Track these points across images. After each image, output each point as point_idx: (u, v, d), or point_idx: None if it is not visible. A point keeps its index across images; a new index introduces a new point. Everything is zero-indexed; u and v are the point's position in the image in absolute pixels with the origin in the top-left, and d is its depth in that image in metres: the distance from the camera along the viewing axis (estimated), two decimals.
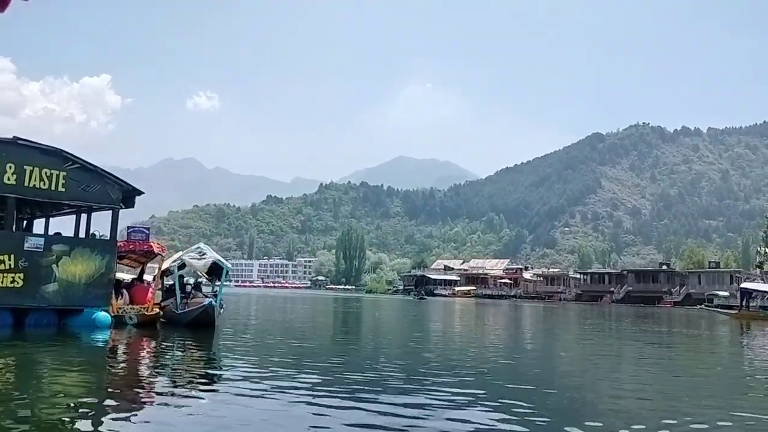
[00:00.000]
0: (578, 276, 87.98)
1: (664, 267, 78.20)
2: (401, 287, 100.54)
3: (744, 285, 41.74)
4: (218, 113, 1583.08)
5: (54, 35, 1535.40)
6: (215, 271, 17.02)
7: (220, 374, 9.20)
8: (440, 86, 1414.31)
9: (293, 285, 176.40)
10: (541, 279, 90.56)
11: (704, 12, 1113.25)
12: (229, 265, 17.73)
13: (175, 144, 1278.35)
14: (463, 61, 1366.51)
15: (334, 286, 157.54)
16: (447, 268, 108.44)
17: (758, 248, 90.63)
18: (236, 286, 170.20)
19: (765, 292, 41.72)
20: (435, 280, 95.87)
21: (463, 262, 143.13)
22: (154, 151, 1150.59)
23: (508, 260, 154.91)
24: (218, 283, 17.47)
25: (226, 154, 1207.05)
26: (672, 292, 67.20)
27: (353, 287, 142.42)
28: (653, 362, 13.17)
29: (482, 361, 11.71)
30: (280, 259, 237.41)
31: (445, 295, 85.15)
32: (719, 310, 43.01)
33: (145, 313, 15.65)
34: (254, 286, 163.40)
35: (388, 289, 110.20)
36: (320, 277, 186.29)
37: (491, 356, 12.84)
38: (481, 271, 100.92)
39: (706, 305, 50.03)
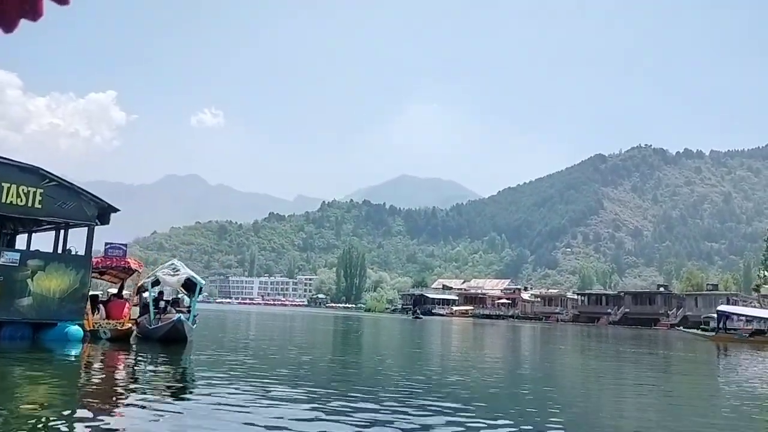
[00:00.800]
0: (576, 297, 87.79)
1: (662, 289, 77.95)
2: (400, 306, 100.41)
3: (720, 308, 41.93)
4: (223, 130, 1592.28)
5: (60, 51, 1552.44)
6: (191, 287, 17.21)
7: (183, 387, 9.35)
8: (445, 106, 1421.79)
9: (292, 303, 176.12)
10: (539, 300, 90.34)
11: (707, 35, 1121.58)
12: (203, 282, 17.96)
13: (179, 160, 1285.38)
14: (467, 82, 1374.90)
15: (334, 305, 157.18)
16: (445, 288, 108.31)
17: (759, 271, 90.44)
18: (238, 303, 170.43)
19: (740, 314, 42.17)
20: (433, 299, 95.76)
21: (463, 282, 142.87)
22: (157, 167, 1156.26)
23: (509, 280, 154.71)
24: (193, 298, 17.64)
25: (229, 171, 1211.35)
26: (669, 315, 66.93)
27: (353, 306, 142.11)
28: (620, 381, 13.37)
29: (454, 383, 11.80)
30: (281, 276, 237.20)
31: (442, 315, 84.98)
32: (697, 332, 43.31)
33: (118, 328, 15.85)
34: (253, 304, 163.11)
35: (387, 308, 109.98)
36: (320, 295, 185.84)
37: (465, 378, 12.93)
38: (479, 291, 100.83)
39: (684, 328, 50.60)
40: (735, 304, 64.44)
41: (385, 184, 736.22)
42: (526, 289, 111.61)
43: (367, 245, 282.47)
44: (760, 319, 40.06)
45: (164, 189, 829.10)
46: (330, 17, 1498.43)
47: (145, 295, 16.68)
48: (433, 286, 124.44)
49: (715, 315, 48.73)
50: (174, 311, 16.49)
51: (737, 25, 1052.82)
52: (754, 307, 59.57)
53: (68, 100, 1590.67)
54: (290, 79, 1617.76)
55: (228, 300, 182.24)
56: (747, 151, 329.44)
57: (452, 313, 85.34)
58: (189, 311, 16.84)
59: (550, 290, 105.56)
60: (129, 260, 17.43)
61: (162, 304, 16.69)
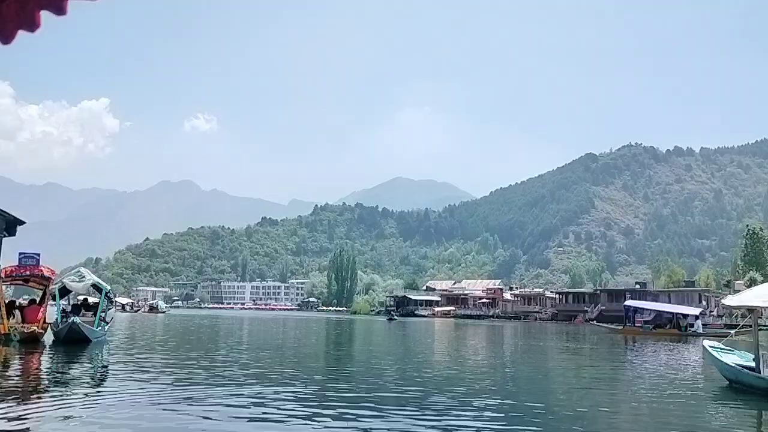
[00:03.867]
0: (554, 296, 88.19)
1: (637, 286, 78.33)
2: (385, 309, 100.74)
3: (627, 303, 44.64)
4: (216, 135, 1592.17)
5: (53, 59, 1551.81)
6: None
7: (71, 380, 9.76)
8: (437, 108, 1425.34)
9: (283, 307, 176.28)
10: (519, 299, 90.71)
11: (698, 33, 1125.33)
12: (108, 287, 18.58)
13: (173, 166, 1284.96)
14: (459, 84, 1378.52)
15: (325, 308, 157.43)
16: (429, 289, 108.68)
17: (739, 267, 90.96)
18: (225, 308, 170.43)
19: (645, 308, 44.55)
20: (416, 300, 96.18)
21: (455, 283, 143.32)
22: (151, 173, 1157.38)
23: (500, 281, 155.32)
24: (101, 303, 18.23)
25: (223, 177, 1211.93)
26: (643, 312, 67.13)
27: (345, 309, 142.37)
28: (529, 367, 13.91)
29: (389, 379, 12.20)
30: (273, 281, 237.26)
31: (425, 316, 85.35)
32: (608, 326, 44.83)
33: (25, 330, 16.35)
34: (242, 308, 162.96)
35: (372, 311, 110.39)
36: (311, 299, 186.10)
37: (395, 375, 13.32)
38: (461, 292, 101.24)
39: (597, 322, 52.72)
40: (707, 300, 65.01)
41: (379, 186, 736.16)
42: (511, 288, 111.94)
43: (360, 248, 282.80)
44: (662, 312, 43.22)
45: (158, 195, 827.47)
46: (322, 22, 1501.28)
47: (64, 300, 17.23)
48: (424, 287, 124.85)
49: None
50: (89, 314, 17.03)
51: (728, 23, 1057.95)
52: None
53: (61, 108, 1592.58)
54: (283, 84, 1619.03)
55: (219, 305, 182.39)
56: (737, 147, 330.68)
57: (434, 314, 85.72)
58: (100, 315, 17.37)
59: (534, 290, 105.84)
60: (42, 268, 17.89)
61: (67, 308, 17.24)
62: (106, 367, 12.78)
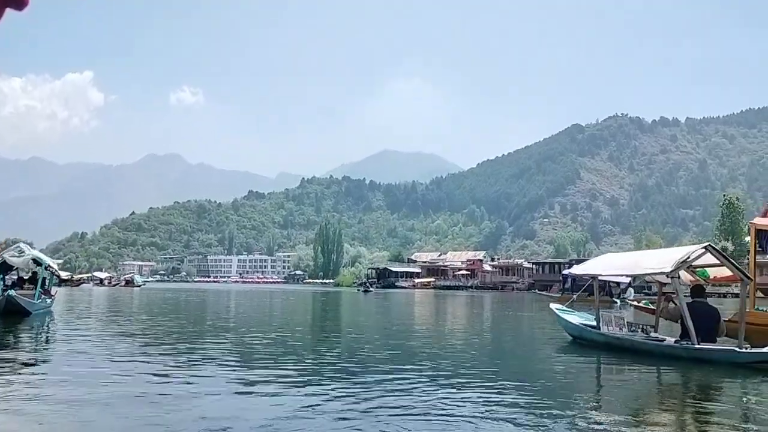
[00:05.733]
0: (531, 266, 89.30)
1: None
2: (365, 280, 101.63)
3: (565, 271, 45.67)
4: (202, 108, 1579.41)
5: (35, 32, 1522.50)
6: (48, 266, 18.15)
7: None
8: (426, 81, 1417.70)
9: (270, 280, 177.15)
10: (498, 270, 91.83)
11: (683, 5, 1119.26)
12: (48, 261, 18.94)
13: (159, 140, 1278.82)
14: (448, 57, 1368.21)
15: (311, 281, 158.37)
16: (410, 261, 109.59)
17: (715, 238, 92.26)
18: (215, 281, 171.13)
19: (576, 275, 45.46)
20: (397, 272, 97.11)
21: (440, 255, 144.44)
22: (137, 147, 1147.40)
23: (485, 252, 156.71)
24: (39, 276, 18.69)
25: (210, 150, 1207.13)
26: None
27: (331, 281, 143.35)
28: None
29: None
30: (260, 254, 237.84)
31: (405, 287, 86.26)
32: (548, 294, 46.87)
33: None
34: (225, 282, 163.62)
35: (354, 283, 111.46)
36: (298, 272, 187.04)
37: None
38: (441, 263, 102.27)
39: (538, 291, 54.53)
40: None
41: (367, 159, 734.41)
42: (493, 260, 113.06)
43: (347, 221, 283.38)
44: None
45: (144, 169, 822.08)
46: None
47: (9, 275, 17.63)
48: (413, 258, 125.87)
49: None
50: (33, 287, 17.53)
51: None
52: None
53: (44, 82, 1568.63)
54: (270, 56, 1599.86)
55: (205, 279, 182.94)
56: (722, 117, 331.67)
57: (414, 286, 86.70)
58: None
59: (513, 260, 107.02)
60: None
61: (8, 282, 17.66)
62: (40, 336, 13.21)
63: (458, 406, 6.36)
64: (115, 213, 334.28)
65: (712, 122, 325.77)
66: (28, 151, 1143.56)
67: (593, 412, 6.42)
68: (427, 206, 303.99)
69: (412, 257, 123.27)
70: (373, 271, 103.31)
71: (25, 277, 19.48)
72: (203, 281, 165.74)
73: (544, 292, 49.13)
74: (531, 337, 16.63)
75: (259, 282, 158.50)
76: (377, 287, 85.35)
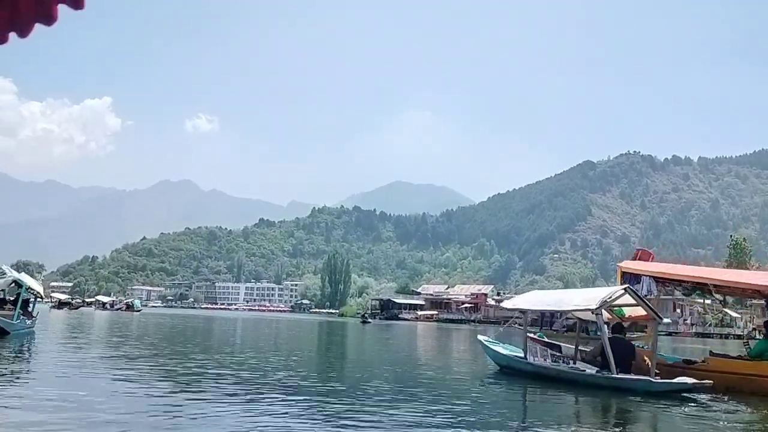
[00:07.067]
0: None
1: None
2: (364, 312, 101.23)
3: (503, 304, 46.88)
4: (218, 136, 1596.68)
5: (56, 57, 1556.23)
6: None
7: None
8: (438, 113, 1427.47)
9: (276, 309, 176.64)
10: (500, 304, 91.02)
11: (697, 42, 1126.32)
12: (29, 283, 19.20)
13: (173, 166, 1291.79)
14: (460, 89, 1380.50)
15: (317, 310, 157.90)
16: (414, 293, 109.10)
17: None
18: (221, 308, 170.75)
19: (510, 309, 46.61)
20: (400, 304, 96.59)
21: (447, 287, 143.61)
22: (151, 172, 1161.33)
23: (492, 286, 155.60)
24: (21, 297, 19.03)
25: (223, 177, 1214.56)
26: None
27: (338, 312, 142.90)
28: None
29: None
30: (268, 282, 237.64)
31: (407, 320, 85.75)
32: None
33: None
34: (231, 309, 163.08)
35: (357, 314, 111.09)
36: (304, 301, 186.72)
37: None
38: (445, 296, 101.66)
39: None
40: (681, 309, 65.37)
41: (378, 190, 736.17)
42: (499, 294, 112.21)
43: (357, 251, 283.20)
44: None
45: (157, 194, 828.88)
46: (325, 26, 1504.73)
47: None
48: (419, 291, 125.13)
49: (666, 320, 51.92)
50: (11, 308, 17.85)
51: (727, 33, 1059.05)
52: (697, 311, 61.23)
53: (63, 106, 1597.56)
54: (286, 86, 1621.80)
55: (212, 306, 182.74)
56: (735, 157, 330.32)
57: (417, 318, 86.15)
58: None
59: (506, 295, 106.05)
60: None
61: None
62: (10, 356, 13.37)
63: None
64: (127, 237, 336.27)
65: (724, 162, 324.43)
66: (43, 174, 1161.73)
67: None
68: (437, 238, 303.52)
69: (419, 289, 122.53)
70: (377, 303, 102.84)
71: (8, 299, 19.72)
72: (210, 308, 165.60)
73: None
74: (473, 365, 17.51)
75: (264, 310, 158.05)
76: (380, 318, 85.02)
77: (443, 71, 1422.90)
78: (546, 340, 15.44)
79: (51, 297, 75.15)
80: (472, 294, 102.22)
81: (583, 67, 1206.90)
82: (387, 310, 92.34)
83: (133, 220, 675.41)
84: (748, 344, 14.23)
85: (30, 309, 19.67)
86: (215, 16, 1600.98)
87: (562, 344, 14.55)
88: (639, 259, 15.94)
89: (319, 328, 45.10)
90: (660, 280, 14.35)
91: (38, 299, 20.14)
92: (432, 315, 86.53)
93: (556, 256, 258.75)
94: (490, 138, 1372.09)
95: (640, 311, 12.96)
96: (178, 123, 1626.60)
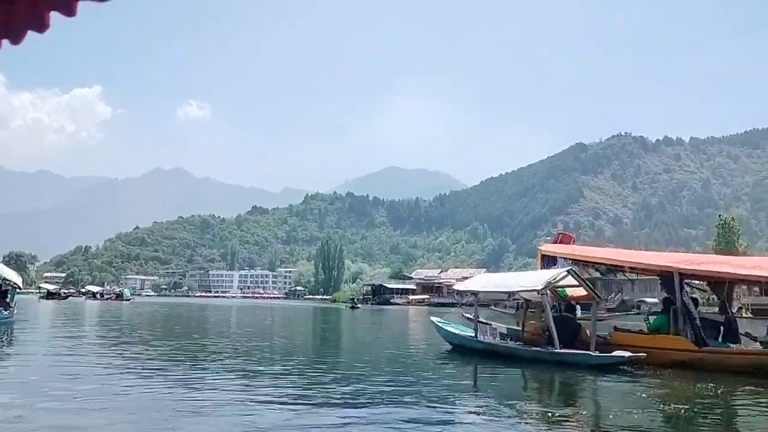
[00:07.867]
0: None
1: (598, 274, 79.00)
2: (354, 297, 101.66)
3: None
4: (209, 123, 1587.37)
5: (45, 47, 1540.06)
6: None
7: None
8: (431, 98, 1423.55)
9: (270, 295, 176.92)
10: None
11: (687, 24, 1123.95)
12: (7, 274, 19.47)
13: (165, 154, 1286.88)
14: (453, 74, 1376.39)
15: (311, 297, 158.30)
16: (406, 278, 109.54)
17: (712, 253, 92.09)
18: (215, 296, 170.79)
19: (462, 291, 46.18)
20: (392, 289, 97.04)
21: (441, 272, 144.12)
22: (143, 161, 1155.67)
23: (485, 270, 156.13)
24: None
25: (216, 164, 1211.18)
26: (608, 300, 67.97)
27: (330, 298, 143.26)
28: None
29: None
30: (262, 269, 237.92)
31: (399, 304, 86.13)
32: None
33: None
34: (225, 297, 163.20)
35: (350, 299, 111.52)
36: (298, 288, 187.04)
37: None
38: (436, 280, 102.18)
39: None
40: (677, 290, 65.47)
41: (371, 175, 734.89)
42: None
43: (350, 237, 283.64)
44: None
45: (150, 183, 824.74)
46: (317, 12, 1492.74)
47: None
48: (412, 275, 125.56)
49: (652, 299, 51.89)
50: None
51: (719, 13, 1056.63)
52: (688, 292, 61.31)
53: (53, 96, 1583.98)
54: (278, 72, 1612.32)
55: (206, 294, 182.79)
56: (726, 137, 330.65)
57: (409, 302, 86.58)
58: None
59: None
60: None
61: None
62: None
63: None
64: (120, 227, 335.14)
65: (716, 142, 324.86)
66: (35, 164, 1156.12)
67: (473, 408, 7.52)
68: (430, 223, 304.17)
69: (412, 274, 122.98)
70: (369, 288, 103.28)
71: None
72: (204, 296, 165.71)
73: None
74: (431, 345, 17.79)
75: (258, 297, 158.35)
76: (372, 304, 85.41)
77: (435, 56, 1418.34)
78: (481, 319, 15.99)
79: (39, 288, 75.20)
80: (464, 278, 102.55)
81: (575, 50, 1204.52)
82: (379, 295, 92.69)
83: (125, 209, 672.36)
84: (648, 320, 15.28)
85: (8, 299, 19.86)
86: (203, 4, 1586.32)
87: (492, 323, 15.39)
88: (560, 243, 17.52)
89: (310, 314, 45.64)
90: (577, 262, 15.51)
91: (16, 289, 20.32)
92: (423, 299, 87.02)
93: (548, 238, 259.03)
94: (482, 122, 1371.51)
95: (581, 291, 13.75)
96: (170, 111, 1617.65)
